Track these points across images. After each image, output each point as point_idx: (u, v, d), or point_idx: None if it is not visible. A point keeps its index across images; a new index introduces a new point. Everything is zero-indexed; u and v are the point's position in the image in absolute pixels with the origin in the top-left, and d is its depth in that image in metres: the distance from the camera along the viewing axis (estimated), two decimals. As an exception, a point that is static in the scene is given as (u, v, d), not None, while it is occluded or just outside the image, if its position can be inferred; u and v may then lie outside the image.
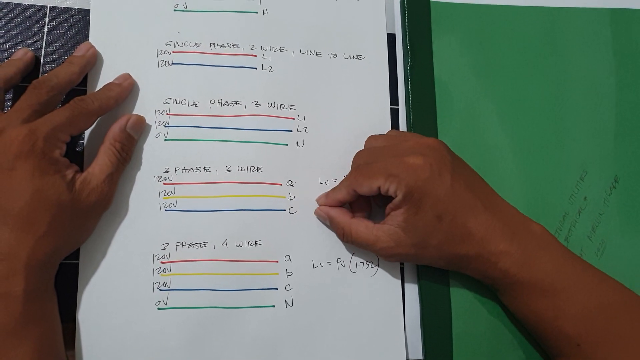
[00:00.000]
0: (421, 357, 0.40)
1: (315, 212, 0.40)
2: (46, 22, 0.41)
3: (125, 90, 0.39)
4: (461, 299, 0.41)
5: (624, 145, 0.45)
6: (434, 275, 0.40)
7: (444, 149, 0.38)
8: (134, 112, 0.39)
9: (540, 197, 0.43)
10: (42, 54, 0.40)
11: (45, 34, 0.40)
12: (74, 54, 0.39)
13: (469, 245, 0.36)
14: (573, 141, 0.44)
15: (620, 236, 0.43)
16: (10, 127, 0.33)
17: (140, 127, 0.39)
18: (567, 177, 0.44)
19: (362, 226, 0.38)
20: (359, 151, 0.40)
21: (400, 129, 0.43)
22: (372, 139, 0.41)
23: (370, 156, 0.38)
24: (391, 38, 0.45)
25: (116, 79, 0.39)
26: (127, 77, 0.39)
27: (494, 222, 0.36)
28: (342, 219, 0.39)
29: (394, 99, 0.44)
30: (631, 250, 0.43)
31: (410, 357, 0.40)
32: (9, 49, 0.40)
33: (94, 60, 0.39)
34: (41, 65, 0.40)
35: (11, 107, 0.35)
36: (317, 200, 0.40)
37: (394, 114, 0.43)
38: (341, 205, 0.39)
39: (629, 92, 0.46)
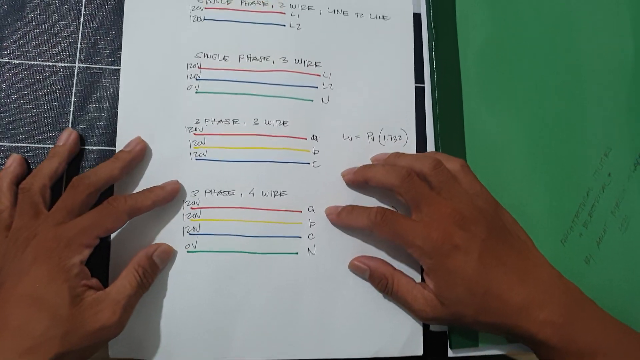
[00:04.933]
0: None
1: (352, 265, 0.40)
2: (83, 3, 0.42)
3: (169, 196, 0.38)
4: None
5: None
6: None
7: (476, 215, 0.36)
8: (167, 65, 0.41)
9: (565, 174, 0.43)
10: (80, 35, 0.41)
11: (82, 14, 0.42)
12: (123, 149, 0.38)
13: (506, 316, 0.35)
14: (598, 118, 0.45)
15: (645, 212, 0.43)
16: (43, 231, 0.33)
17: (167, 257, 0.38)
18: (591, 154, 0.44)
19: (403, 280, 0.38)
20: (377, 169, 0.39)
21: (425, 108, 0.44)
22: (390, 174, 0.38)
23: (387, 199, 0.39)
24: (417, 18, 0.45)
25: (164, 183, 0.39)
26: (174, 183, 0.39)
27: (531, 293, 0.35)
28: (385, 269, 0.39)
29: (420, 79, 0.44)
30: (655, 226, 0.43)
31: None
32: (47, 29, 0.41)
33: (142, 156, 0.39)
34: (78, 45, 0.41)
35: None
36: (331, 218, 0.41)
37: (420, 92, 0.44)
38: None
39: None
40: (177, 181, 0.39)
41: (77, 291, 0.32)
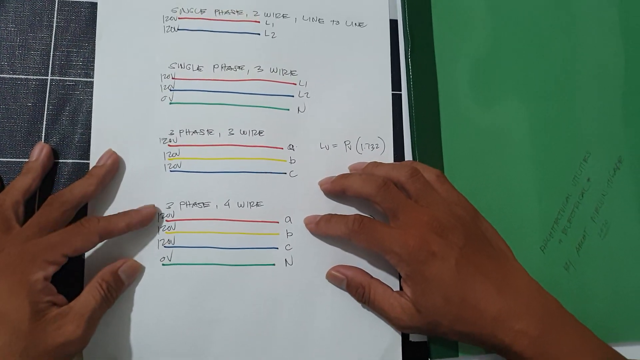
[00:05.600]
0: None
1: (329, 275, 0.40)
2: (55, 16, 0.41)
3: (144, 220, 0.38)
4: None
5: (629, 126, 0.45)
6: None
7: (453, 222, 0.36)
8: (141, 76, 0.41)
9: (544, 179, 0.43)
10: (52, 47, 0.41)
11: (54, 27, 0.41)
12: (95, 164, 0.38)
13: (481, 326, 0.34)
14: (577, 123, 0.44)
15: (624, 217, 0.43)
16: (10, 246, 0.33)
17: (134, 273, 0.38)
18: (570, 159, 0.44)
19: (380, 289, 0.38)
20: (354, 178, 0.39)
21: (403, 116, 0.43)
22: (367, 183, 0.38)
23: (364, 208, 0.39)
24: (394, 25, 0.45)
25: (140, 207, 0.38)
26: (150, 207, 0.38)
27: (508, 303, 0.34)
28: (362, 278, 0.39)
29: (397, 86, 0.44)
30: (635, 231, 0.43)
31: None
32: (19, 42, 0.41)
33: (115, 169, 0.39)
34: (50, 58, 0.41)
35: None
36: (309, 227, 0.40)
37: (397, 100, 0.44)
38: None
39: (635, 73, 0.45)
40: (154, 205, 0.39)
41: (40, 306, 0.32)
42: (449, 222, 0.36)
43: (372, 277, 0.39)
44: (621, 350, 0.35)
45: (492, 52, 0.44)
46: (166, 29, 0.42)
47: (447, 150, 0.42)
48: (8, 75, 0.40)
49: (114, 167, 0.39)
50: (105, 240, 0.38)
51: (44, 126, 0.40)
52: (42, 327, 0.31)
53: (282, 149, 0.41)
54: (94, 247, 0.36)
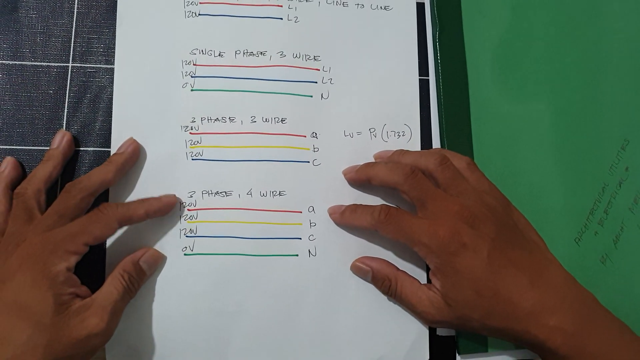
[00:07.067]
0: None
1: (354, 266, 0.39)
2: (75, 2, 0.41)
3: (164, 208, 0.37)
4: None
5: (670, 111, 0.42)
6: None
7: (485, 213, 0.35)
8: (162, 63, 0.40)
9: (579, 168, 0.41)
10: (73, 34, 0.41)
11: (75, 13, 0.41)
12: (116, 151, 0.38)
13: (514, 321, 0.33)
14: (614, 109, 0.42)
15: (665, 209, 0.41)
16: (33, 236, 0.32)
17: (155, 263, 0.37)
18: (607, 147, 0.42)
19: (407, 282, 0.37)
20: (379, 167, 0.38)
21: (430, 102, 0.42)
22: (394, 172, 0.36)
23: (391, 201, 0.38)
24: (420, 8, 0.43)
25: (160, 195, 0.38)
26: (171, 196, 0.38)
27: (543, 297, 0.33)
28: (388, 270, 0.37)
29: (424, 71, 0.42)
30: (676, 223, 0.41)
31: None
32: (40, 28, 0.40)
33: (136, 157, 0.38)
34: (72, 45, 0.40)
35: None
36: (334, 218, 0.39)
37: (425, 85, 0.42)
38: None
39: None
40: (175, 195, 0.38)
41: (63, 299, 0.31)
42: (480, 212, 0.35)
43: (398, 269, 0.38)
44: (660, 348, 0.33)
45: (522, 36, 0.43)
46: (187, 14, 0.41)
47: (477, 137, 0.41)
48: (30, 63, 0.40)
49: (135, 155, 0.38)
50: (125, 229, 0.38)
51: (65, 114, 0.40)
52: (66, 321, 0.31)
53: (305, 136, 0.40)
54: (113, 233, 0.35)
